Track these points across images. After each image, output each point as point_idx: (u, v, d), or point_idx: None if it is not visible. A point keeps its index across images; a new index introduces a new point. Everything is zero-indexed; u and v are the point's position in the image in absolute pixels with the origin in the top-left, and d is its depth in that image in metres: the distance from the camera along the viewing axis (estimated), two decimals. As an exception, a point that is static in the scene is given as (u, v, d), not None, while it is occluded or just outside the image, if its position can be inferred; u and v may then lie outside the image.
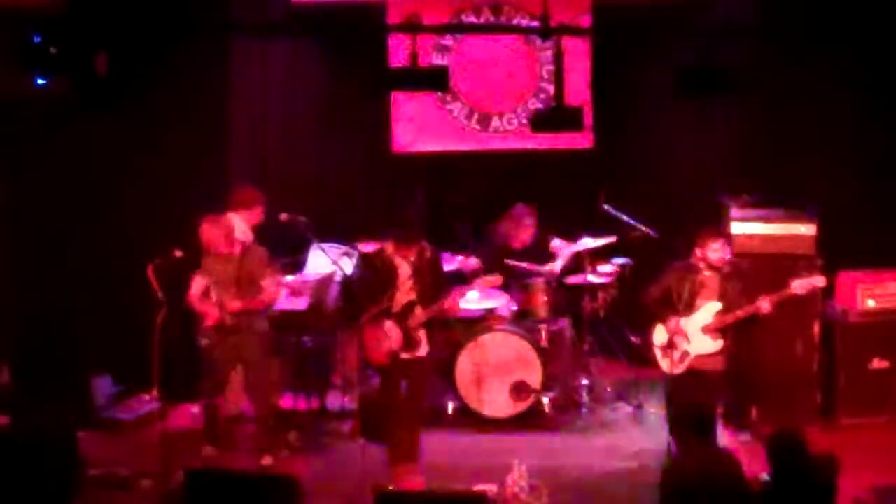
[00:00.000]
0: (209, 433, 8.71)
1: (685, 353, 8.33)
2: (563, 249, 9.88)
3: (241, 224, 9.15)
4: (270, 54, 10.73)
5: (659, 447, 8.23)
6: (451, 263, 9.56)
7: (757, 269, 8.91)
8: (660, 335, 8.45)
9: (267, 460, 8.54)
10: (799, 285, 8.27)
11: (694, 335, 8.31)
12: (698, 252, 8.37)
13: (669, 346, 8.30)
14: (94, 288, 9.89)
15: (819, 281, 8.39)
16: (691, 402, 7.31)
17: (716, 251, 8.33)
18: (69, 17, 8.47)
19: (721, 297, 8.30)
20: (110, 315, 9.88)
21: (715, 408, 8.09)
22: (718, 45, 9.89)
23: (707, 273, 8.35)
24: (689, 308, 8.30)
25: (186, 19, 9.98)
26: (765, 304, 8.16)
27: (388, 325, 8.17)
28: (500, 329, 9.48)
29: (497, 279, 8.63)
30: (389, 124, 10.98)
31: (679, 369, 8.33)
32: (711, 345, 8.31)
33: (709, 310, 8.31)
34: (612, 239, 9.82)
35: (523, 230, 9.87)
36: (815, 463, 6.35)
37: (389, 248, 8.29)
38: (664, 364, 8.39)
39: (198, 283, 8.58)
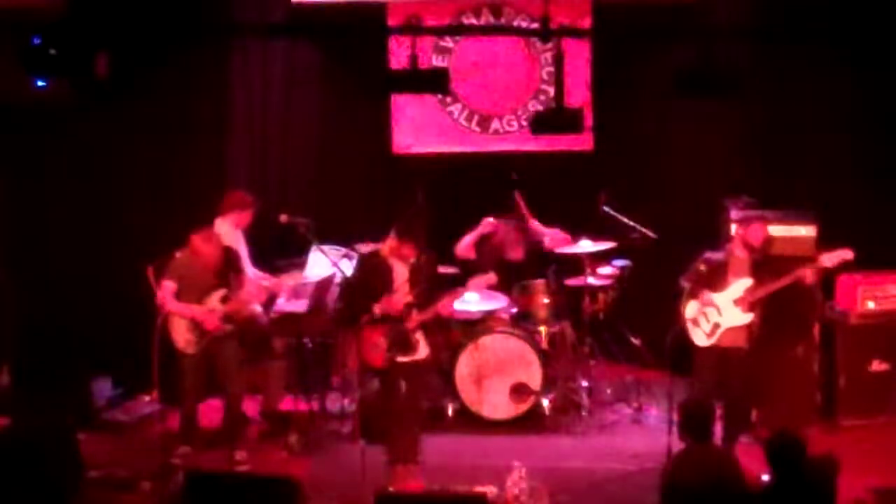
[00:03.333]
0: (186, 434, 8.68)
1: (716, 325, 8.48)
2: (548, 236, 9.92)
3: (227, 229, 9.13)
4: (270, 55, 10.73)
5: (659, 449, 8.22)
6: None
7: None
8: (691, 309, 8.54)
9: (241, 455, 8.59)
10: (828, 258, 8.43)
11: (725, 308, 8.46)
12: (739, 231, 8.57)
13: (700, 318, 8.49)
14: (94, 289, 9.89)
15: (847, 254, 8.45)
16: (695, 401, 7.32)
17: (756, 231, 8.52)
18: (69, 19, 8.47)
19: (753, 274, 8.45)
20: (110, 316, 9.88)
21: (736, 389, 8.44)
22: (718, 46, 9.88)
23: (739, 253, 8.50)
24: (722, 285, 8.47)
25: (186, 20, 9.98)
26: (809, 273, 8.35)
27: (380, 329, 8.16)
28: (500, 331, 9.47)
29: (491, 278, 8.65)
30: (389, 126, 10.98)
31: (710, 341, 8.47)
32: (742, 317, 8.46)
33: (741, 285, 8.46)
34: (611, 244, 9.85)
35: (509, 244, 9.86)
36: (815, 464, 6.35)
37: (386, 249, 8.29)
38: (695, 336, 8.49)
39: (170, 287, 8.52)
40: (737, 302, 8.44)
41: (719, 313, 8.46)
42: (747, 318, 8.46)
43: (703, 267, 8.50)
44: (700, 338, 8.51)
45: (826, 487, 6.29)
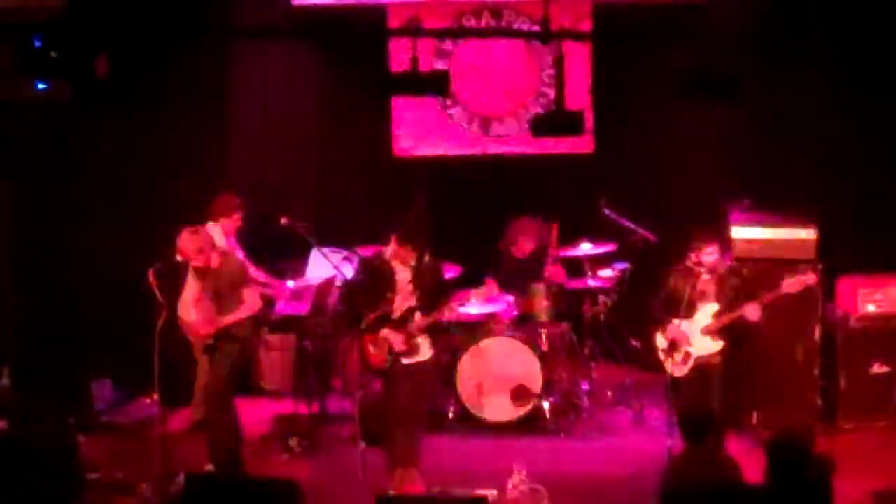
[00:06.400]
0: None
1: (687, 355, 8.36)
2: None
3: (218, 234, 9.10)
4: (271, 57, 10.74)
5: (659, 451, 8.22)
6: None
7: (757, 274, 8.90)
8: (660, 340, 8.46)
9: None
10: (789, 283, 8.29)
11: (695, 336, 8.35)
12: (693, 256, 8.36)
13: (671, 349, 8.33)
14: (94, 292, 9.89)
15: (809, 278, 8.38)
16: (692, 403, 7.31)
17: (710, 255, 8.31)
18: (69, 21, 8.47)
19: (718, 299, 8.34)
20: (111, 319, 9.88)
21: (714, 408, 8.10)
22: (718, 49, 9.91)
23: (705, 277, 8.35)
24: (691, 311, 8.33)
25: (187, 22, 9.99)
26: (750, 312, 8.18)
27: (386, 330, 8.17)
28: (501, 333, 9.47)
29: (491, 290, 8.70)
30: (390, 128, 10.99)
31: (683, 371, 8.37)
32: (712, 345, 8.34)
33: (708, 311, 8.34)
34: (611, 247, 9.86)
35: (523, 242, 9.88)
36: (812, 464, 6.33)
37: (388, 252, 8.28)
38: (668, 366, 8.41)
39: (192, 288, 8.48)
40: (704, 331, 8.32)
41: (689, 343, 8.34)
42: (717, 345, 8.32)
43: (673, 284, 8.32)
44: (674, 368, 8.37)
45: (823, 487, 6.27)
